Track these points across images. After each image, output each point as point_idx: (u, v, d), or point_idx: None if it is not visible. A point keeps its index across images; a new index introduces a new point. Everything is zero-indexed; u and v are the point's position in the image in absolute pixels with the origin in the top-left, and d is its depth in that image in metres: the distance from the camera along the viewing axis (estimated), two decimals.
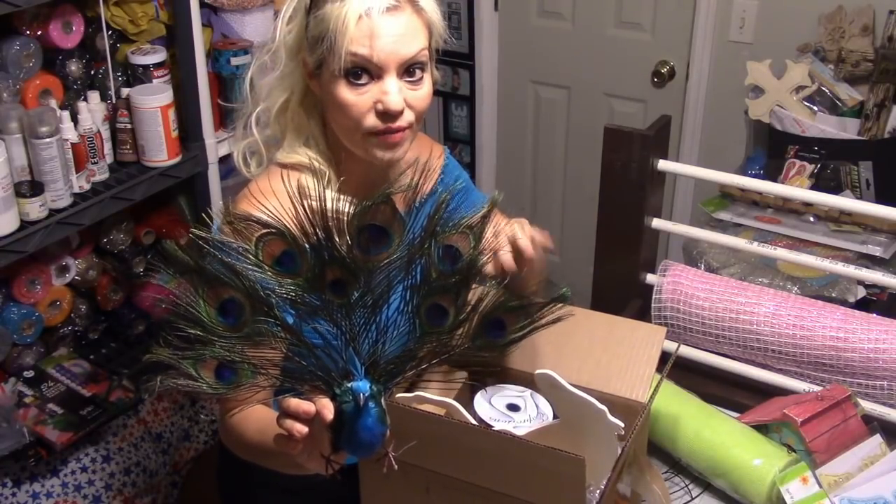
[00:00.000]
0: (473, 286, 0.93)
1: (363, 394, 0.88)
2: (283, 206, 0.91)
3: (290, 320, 0.92)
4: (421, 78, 1.17)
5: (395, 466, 0.93)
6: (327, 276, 0.90)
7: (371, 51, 1.11)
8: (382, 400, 0.90)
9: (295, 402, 0.89)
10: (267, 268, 0.90)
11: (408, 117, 1.16)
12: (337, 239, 0.88)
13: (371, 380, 0.90)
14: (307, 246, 0.89)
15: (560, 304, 0.97)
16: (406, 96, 1.15)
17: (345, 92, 1.14)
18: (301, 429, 0.89)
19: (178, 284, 0.89)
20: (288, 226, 0.89)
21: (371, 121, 1.15)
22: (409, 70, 1.15)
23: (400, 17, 1.13)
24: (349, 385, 0.89)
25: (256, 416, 1.11)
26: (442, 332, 0.92)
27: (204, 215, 0.94)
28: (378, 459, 0.93)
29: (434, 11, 1.18)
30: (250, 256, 0.89)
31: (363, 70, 1.13)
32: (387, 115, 1.15)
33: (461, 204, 1.00)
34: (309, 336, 0.91)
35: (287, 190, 0.90)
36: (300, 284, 0.90)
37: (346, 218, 0.89)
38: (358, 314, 0.90)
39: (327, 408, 0.88)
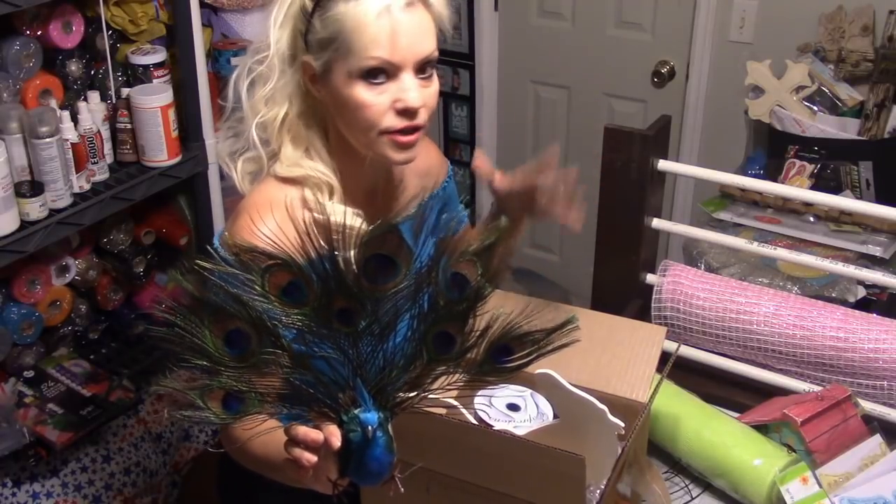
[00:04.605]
0: (481, 312, 0.92)
1: (371, 425, 0.87)
2: (284, 223, 0.90)
3: (295, 342, 0.91)
4: (431, 75, 1.17)
5: (402, 490, 0.93)
6: (334, 305, 0.89)
7: (392, 50, 1.11)
8: (389, 427, 0.89)
9: (303, 431, 0.89)
10: (273, 298, 0.89)
11: (423, 116, 1.16)
12: (343, 265, 0.87)
13: (378, 408, 0.89)
14: (314, 276, 0.88)
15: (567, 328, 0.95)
16: (420, 94, 1.15)
17: (362, 92, 1.13)
18: (310, 458, 0.89)
19: (175, 295, 0.88)
20: (292, 252, 0.88)
21: (390, 120, 1.14)
22: (421, 67, 1.15)
23: (415, 13, 1.12)
24: (357, 414, 0.88)
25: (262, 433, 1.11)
26: (449, 359, 0.92)
27: (209, 248, 0.93)
28: (384, 484, 0.93)
29: (443, 7, 1.18)
30: (256, 287, 0.88)
31: (380, 69, 1.12)
32: (406, 113, 1.14)
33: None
34: (316, 363, 0.91)
35: (291, 216, 0.90)
36: (307, 314, 0.89)
37: (354, 235, 0.88)
38: (365, 342, 0.90)
39: (335, 435, 0.87)
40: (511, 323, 0.92)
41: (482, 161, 1.35)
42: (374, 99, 1.13)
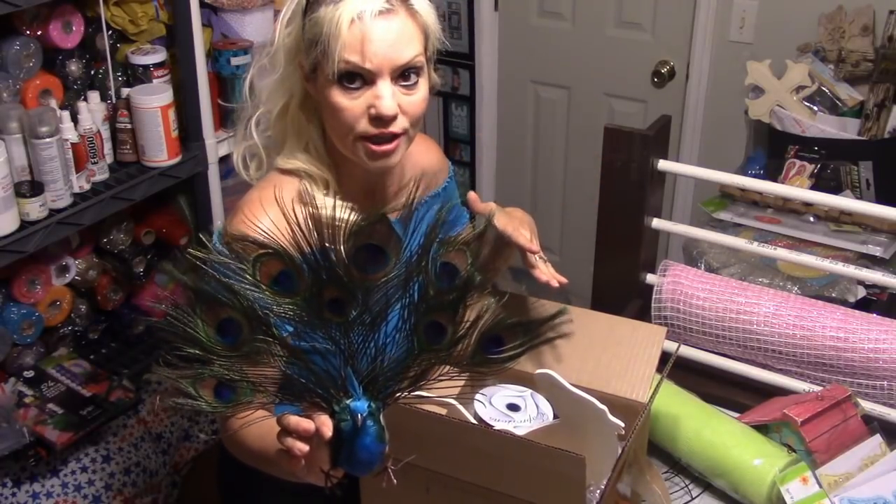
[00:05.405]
0: (472, 303, 0.93)
1: (361, 414, 0.88)
2: (281, 218, 0.91)
3: (288, 332, 0.92)
4: (416, 83, 1.16)
5: (395, 481, 0.93)
6: (325, 294, 0.89)
7: (363, 56, 1.11)
8: (381, 417, 0.90)
9: (294, 420, 0.89)
10: (264, 287, 0.89)
11: (401, 123, 1.15)
12: (334, 256, 0.88)
13: (369, 398, 0.90)
14: (305, 266, 0.89)
15: (559, 320, 0.95)
16: (400, 101, 1.14)
17: (338, 96, 1.14)
18: (302, 447, 0.89)
19: (174, 294, 0.89)
20: (285, 243, 0.89)
21: (364, 125, 1.15)
22: (403, 74, 1.14)
23: (393, 20, 1.12)
24: (347, 403, 0.89)
25: (257, 423, 1.11)
26: (440, 349, 0.92)
27: (202, 236, 0.93)
28: (377, 474, 0.93)
29: (429, 15, 1.17)
30: (248, 276, 0.89)
31: (356, 75, 1.12)
32: (379, 120, 1.14)
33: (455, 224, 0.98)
34: (307, 352, 0.91)
35: (283, 209, 0.90)
36: (298, 304, 0.90)
37: (345, 226, 0.89)
38: (356, 332, 0.90)
39: (326, 425, 0.88)
40: (502, 313, 0.92)
41: (475, 198, 1.36)
42: (349, 104, 1.14)
